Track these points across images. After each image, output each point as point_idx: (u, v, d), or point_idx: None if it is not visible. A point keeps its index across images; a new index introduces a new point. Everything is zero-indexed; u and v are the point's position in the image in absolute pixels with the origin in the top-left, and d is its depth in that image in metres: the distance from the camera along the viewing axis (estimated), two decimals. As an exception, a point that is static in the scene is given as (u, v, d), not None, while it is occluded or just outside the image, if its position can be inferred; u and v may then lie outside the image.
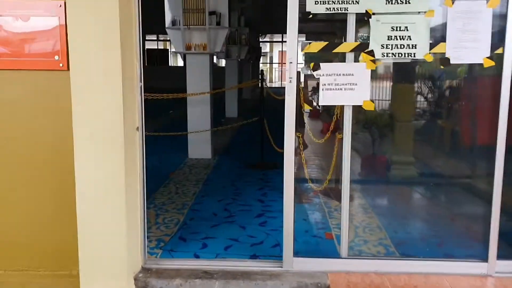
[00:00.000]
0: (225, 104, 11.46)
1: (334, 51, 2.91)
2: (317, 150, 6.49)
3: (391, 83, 6.75)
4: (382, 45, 2.87)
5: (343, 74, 2.91)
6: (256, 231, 3.61)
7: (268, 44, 28.14)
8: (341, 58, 2.91)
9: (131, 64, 2.80)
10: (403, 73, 6.79)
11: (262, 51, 22.35)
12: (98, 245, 2.77)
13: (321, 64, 2.91)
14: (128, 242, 2.81)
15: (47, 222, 2.87)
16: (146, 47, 24.86)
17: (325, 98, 2.93)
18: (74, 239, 2.77)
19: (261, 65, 24.97)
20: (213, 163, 6.02)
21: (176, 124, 6.20)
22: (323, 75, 2.92)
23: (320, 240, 3.51)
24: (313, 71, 2.92)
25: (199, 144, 6.29)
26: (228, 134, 8.26)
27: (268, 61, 29.27)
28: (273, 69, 28.77)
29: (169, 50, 24.33)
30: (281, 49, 26.86)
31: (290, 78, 2.91)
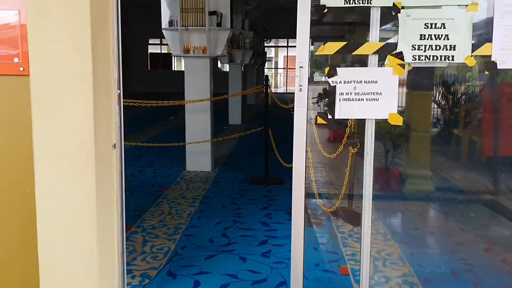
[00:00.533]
0: (229, 110, 10.97)
1: (354, 53, 2.39)
2: (323, 161, 5.97)
3: (406, 89, 6.23)
4: (413, 46, 2.36)
5: (365, 81, 2.39)
6: (259, 265, 3.08)
7: (273, 49, 27.70)
8: (350, 62, 2.41)
9: (105, 68, 2.29)
10: (420, 78, 6.26)
11: (267, 56, 21.88)
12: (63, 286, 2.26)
13: (338, 69, 2.40)
14: (101, 282, 2.30)
15: (3, 256, 2.36)
16: (149, 51, 24.54)
17: (343, 111, 2.41)
18: (35, 277, 2.27)
19: (265, 70, 24.51)
20: (213, 177, 5.50)
21: (177, 131, 5.70)
22: (341, 82, 2.40)
23: (334, 276, 2.98)
24: (328, 77, 2.41)
25: (198, 155, 5.78)
26: (230, 143, 7.75)
27: (273, 66, 28.81)
28: (278, 74, 28.33)
29: (173, 54, 23.92)
30: (286, 54, 26.39)
31: (300, 86, 2.39)
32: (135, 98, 5.27)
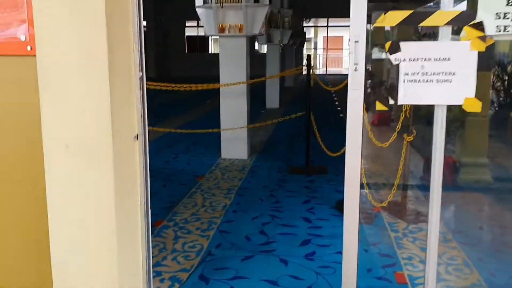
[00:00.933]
0: (266, 93, 10.57)
1: (422, 24, 1.95)
2: (368, 148, 5.51)
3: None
4: (497, 15, 1.90)
5: (435, 59, 1.96)
6: (302, 269, 2.72)
7: (312, 29, 26.91)
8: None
9: (124, 47, 1.95)
10: (478, 56, 5.65)
11: (306, 36, 21.20)
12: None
13: (401, 43, 1.97)
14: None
15: (13, 265, 2.10)
16: (186, 34, 24.32)
17: (407, 95, 1.99)
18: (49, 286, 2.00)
19: (304, 51, 23.85)
20: (250, 165, 5.16)
21: (216, 114, 5.38)
22: (405, 59, 1.98)
23: (389, 285, 2.58)
24: (390, 54, 1.99)
25: (234, 142, 5.44)
26: (268, 129, 7.38)
27: (312, 47, 28.04)
28: (318, 56, 27.58)
29: (206, 34, 23.57)
30: (326, 34, 25.57)
31: (355, 64, 1.98)
32: (172, 82, 5.00)
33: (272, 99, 10.56)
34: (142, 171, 2.17)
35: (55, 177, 1.92)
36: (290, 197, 4.06)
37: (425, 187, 4.45)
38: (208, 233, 3.25)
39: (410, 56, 1.97)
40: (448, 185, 5.17)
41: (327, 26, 24.71)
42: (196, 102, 10.64)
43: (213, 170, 4.95)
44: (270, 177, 4.72)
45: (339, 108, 10.07)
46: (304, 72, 4.95)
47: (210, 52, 25.28)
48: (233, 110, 5.36)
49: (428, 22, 1.93)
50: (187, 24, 24.06)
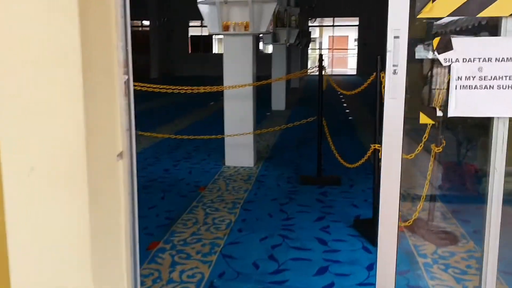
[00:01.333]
0: (271, 95, 10.16)
1: (481, 14, 1.55)
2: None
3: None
4: None
5: (497, 59, 1.55)
6: (320, 307, 2.32)
7: (317, 29, 26.49)
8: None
9: (104, 44, 1.56)
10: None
11: (311, 36, 20.77)
12: None
13: (453, 39, 1.57)
14: None
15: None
16: (190, 34, 23.97)
17: (460, 105, 1.58)
18: None
19: (309, 51, 23.45)
20: (256, 174, 4.76)
21: (218, 117, 4.98)
22: (458, 60, 1.57)
23: (425, 329, 2.17)
24: (439, 52, 1.58)
25: (239, 149, 5.04)
26: (275, 133, 6.98)
27: (318, 47, 27.61)
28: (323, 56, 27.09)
29: (213, 36, 23.20)
30: (331, 34, 25.16)
31: (394, 66, 1.58)
32: (175, 83, 4.61)
33: (278, 101, 10.16)
34: (128, 197, 1.76)
35: (16, 208, 1.52)
36: (302, 213, 3.65)
37: (449, 201, 4.03)
38: (210, 258, 2.85)
39: (464, 55, 1.56)
40: (472, 197, 4.75)
41: (333, 25, 24.32)
42: (199, 103, 10.25)
43: (216, 180, 4.55)
44: (279, 188, 4.32)
45: (348, 111, 9.66)
46: (311, 73, 4.54)
47: (214, 52, 24.91)
48: (238, 114, 4.96)
49: (490, 12, 1.52)
50: (191, 24, 23.70)
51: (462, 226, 3.42)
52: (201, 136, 5.24)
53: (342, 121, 8.22)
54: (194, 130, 7.35)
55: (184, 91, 4.58)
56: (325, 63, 25.29)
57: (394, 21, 1.56)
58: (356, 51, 23.71)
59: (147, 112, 9.56)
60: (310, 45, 21.57)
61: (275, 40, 9.57)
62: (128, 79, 1.69)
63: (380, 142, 3.23)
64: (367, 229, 3.23)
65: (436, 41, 1.57)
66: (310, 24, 19.76)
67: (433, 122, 1.66)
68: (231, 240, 3.12)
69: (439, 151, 3.16)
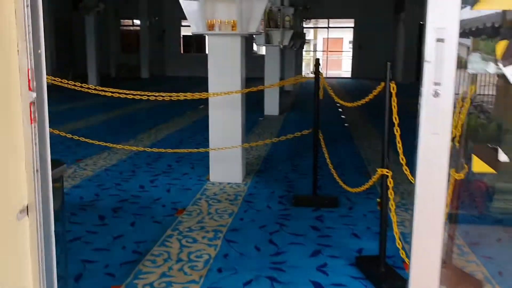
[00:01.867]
0: (264, 98, 9.61)
1: None
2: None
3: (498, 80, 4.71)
4: None
5: None
6: None
7: (311, 30, 25.99)
8: None
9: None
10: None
11: (306, 37, 20.26)
12: None
13: (527, 45, 1.02)
14: None
15: None
16: (182, 33, 23.43)
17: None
18: None
19: (303, 53, 22.94)
20: (244, 193, 4.21)
21: (206, 122, 4.39)
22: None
23: None
24: (505, 64, 1.04)
25: (225, 162, 4.49)
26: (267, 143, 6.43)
27: (312, 49, 27.11)
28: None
29: (192, 32, 22.61)
30: (326, 36, 24.69)
31: (436, 85, 1.04)
32: (166, 84, 4.05)
33: (271, 105, 9.61)
34: (38, 270, 1.22)
35: None
36: (295, 245, 3.10)
37: (461, 222, 3.51)
38: (180, 312, 2.30)
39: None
40: (481, 216, 4.21)
41: (328, 27, 23.84)
42: (189, 106, 9.65)
43: (198, 200, 3.99)
44: (269, 211, 3.77)
45: (343, 116, 9.13)
46: (304, 78, 3.99)
47: (206, 52, 24.35)
48: (225, 124, 4.42)
49: None
50: (183, 23, 23.14)
51: (484, 264, 2.89)
52: (181, 149, 4.69)
53: (338, 129, 7.69)
54: (180, 137, 6.78)
55: (162, 98, 4.00)
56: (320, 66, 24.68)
57: (437, 17, 1.02)
58: (351, 54, 23.26)
59: (130, 116, 9.00)
60: (305, 47, 21.07)
61: (268, 42, 9.03)
62: (38, 97, 1.15)
63: (388, 167, 2.70)
64: (373, 270, 2.69)
65: (500, 47, 1.03)
66: (304, 25, 19.28)
67: (493, 172, 1.12)
68: (208, 285, 2.56)
69: (461, 178, 2.63)
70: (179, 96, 3.88)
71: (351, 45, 23.15)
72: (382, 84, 2.59)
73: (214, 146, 4.36)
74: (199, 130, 7.35)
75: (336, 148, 5.96)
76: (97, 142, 4.20)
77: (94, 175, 4.73)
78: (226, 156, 4.43)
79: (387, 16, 22.10)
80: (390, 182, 2.58)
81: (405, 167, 2.56)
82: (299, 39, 14.73)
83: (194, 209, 3.77)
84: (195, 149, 4.39)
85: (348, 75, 22.63)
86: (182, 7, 4.27)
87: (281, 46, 9.33)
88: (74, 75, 17.44)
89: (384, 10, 21.89)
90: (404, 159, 2.56)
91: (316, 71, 3.79)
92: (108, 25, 21.70)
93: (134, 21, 23.03)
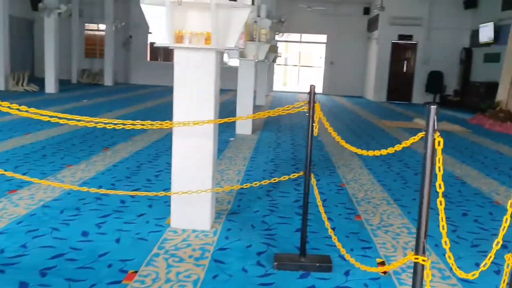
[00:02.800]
0: (236, 115, 8.83)
1: None
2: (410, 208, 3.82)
3: None
4: None
5: None
6: None
7: (283, 43, 25.52)
8: None
9: None
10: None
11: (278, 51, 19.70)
12: None
13: None
14: None
15: None
16: (149, 40, 22.52)
17: None
18: None
19: (275, 66, 22.41)
20: (213, 247, 3.37)
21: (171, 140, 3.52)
22: None
23: None
24: None
25: (190, 205, 3.65)
26: (241, 169, 5.63)
27: (284, 63, 26.66)
28: (288, 71, 26.32)
29: (156, 43, 21.75)
30: (299, 50, 24.27)
31: None
32: (130, 91, 3.19)
33: (244, 123, 8.83)
34: None
35: None
36: None
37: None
38: None
39: None
40: None
41: (301, 42, 23.43)
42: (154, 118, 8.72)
43: (154, 258, 3.13)
44: (245, 276, 2.95)
45: (320, 139, 8.45)
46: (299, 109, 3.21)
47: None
48: (192, 160, 3.59)
49: None
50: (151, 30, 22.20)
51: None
52: (135, 192, 3.81)
53: (318, 154, 6.97)
54: (139, 159, 5.85)
55: (94, 124, 3.13)
56: (293, 79, 24.17)
57: None
58: (322, 69, 22.86)
59: (85, 132, 8.00)
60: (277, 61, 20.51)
61: (242, 55, 8.27)
62: None
63: (424, 252, 1.94)
64: None
65: None
66: (277, 38, 18.72)
67: None
68: None
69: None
70: (127, 124, 3.03)
71: (323, 60, 22.76)
72: (420, 135, 1.83)
73: (178, 188, 3.51)
74: (162, 150, 6.47)
75: (318, 176, 5.23)
76: (24, 178, 3.28)
77: (27, 215, 3.80)
78: (192, 198, 3.59)
79: (360, 34, 21.86)
80: (428, 275, 1.81)
81: (448, 254, 1.81)
82: (272, 53, 14.09)
83: (148, 273, 2.91)
84: (153, 192, 3.53)
85: (320, 90, 22.17)
86: (144, 13, 3.44)
87: (256, 60, 8.59)
88: (31, 80, 16.17)
89: (357, 27, 21.65)
90: (448, 243, 1.81)
91: (311, 100, 3.03)
92: (71, 29, 20.53)
93: (99, 25, 21.98)
